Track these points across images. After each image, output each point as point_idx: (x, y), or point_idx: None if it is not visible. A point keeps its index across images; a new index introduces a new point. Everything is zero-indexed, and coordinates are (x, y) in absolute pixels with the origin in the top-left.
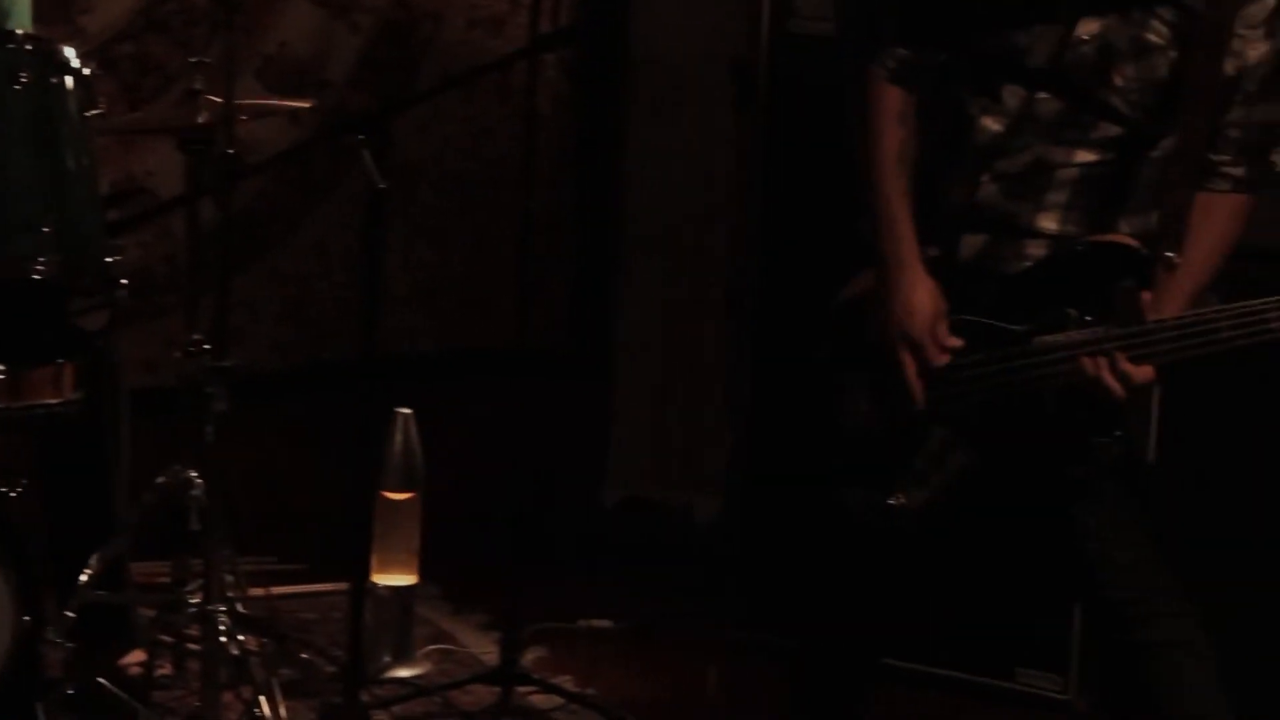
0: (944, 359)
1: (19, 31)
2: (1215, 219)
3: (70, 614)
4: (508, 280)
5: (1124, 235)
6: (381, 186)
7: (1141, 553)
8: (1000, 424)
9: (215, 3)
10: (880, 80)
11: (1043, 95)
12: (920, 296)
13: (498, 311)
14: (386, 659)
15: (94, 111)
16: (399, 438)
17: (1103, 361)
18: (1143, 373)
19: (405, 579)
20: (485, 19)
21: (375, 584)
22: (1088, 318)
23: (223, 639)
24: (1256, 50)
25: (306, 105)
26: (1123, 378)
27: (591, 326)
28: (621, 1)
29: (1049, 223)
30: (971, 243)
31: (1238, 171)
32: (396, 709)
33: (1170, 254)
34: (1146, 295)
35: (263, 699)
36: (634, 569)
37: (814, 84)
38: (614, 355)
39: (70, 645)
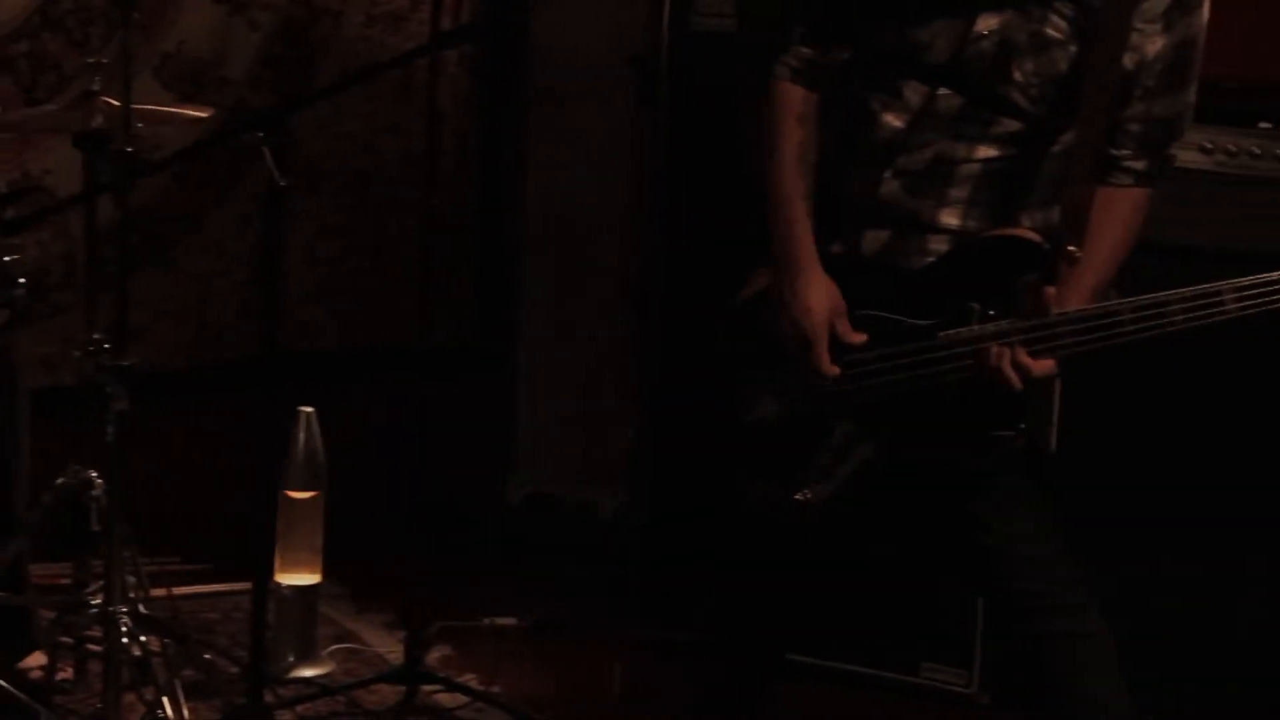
0: (834, 370)
1: None
2: (1117, 213)
3: None
4: (410, 277)
5: (1025, 230)
6: (282, 185)
7: (1043, 545)
8: (904, 418)
9: (113, 1)
10: (782, 80)
11: (944, 91)
12: (817, 298)
13: (401, 309)
14: (290, 659)
15: None
16: (301, 436)
17: (1004, 352)
18: (1042, 366)
19: (308, 578)
20: (385, 15)
21: (278, 583)
22: (991, 312)
23: (125, 640)
24: (1154, 45)
25: (204, 115)
26: (1022, 370)
27: (494, 323)
28: None
29: (951, 219)
30: (874, 238)
31: (1138, 165)
32: (300, 709)
33: (1072, 248)
34: (1050, 290)
35: (165, 700)
36: (538, 566)
37: (714, 80)
38: (517, 352)
39: None
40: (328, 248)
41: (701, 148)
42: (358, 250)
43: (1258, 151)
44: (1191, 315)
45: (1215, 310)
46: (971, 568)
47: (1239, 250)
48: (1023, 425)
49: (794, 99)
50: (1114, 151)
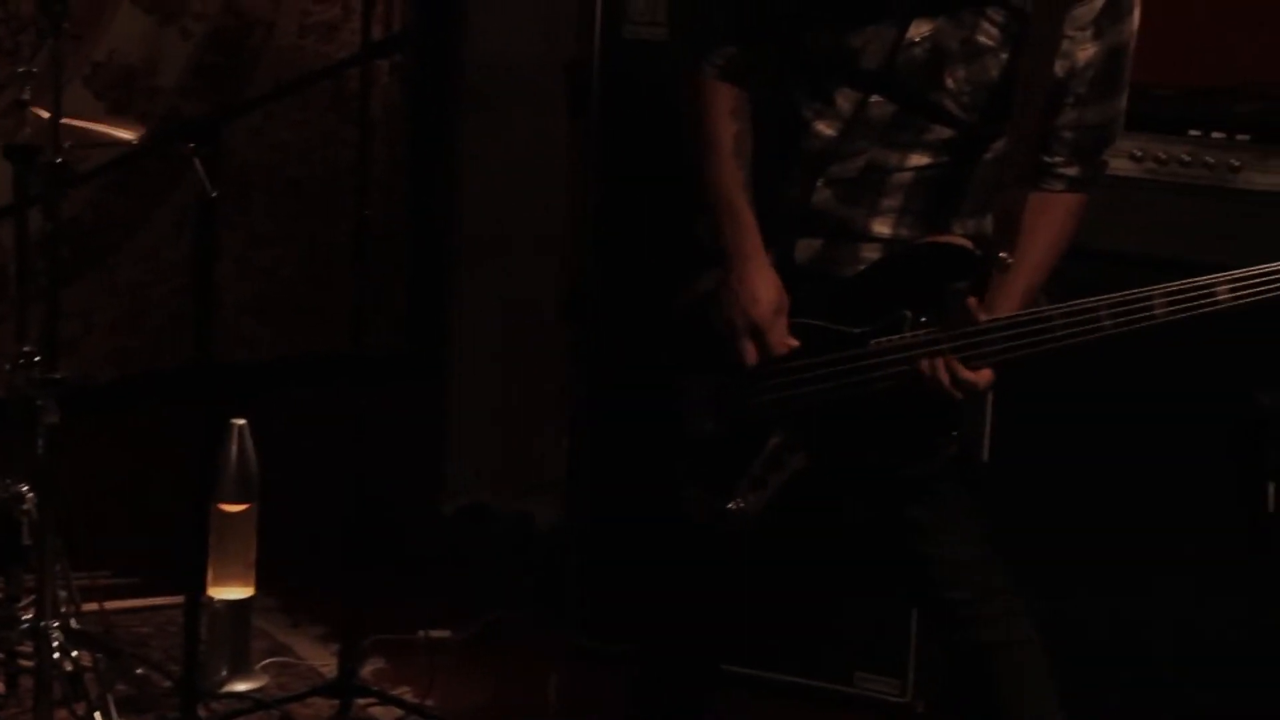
0: (790, 344)
1: None
2: (1050, 218)
3: None
4: (344, 287)
5: (957, 236)
6: (213, 195)
7: (976, 553)
8: (838, 426)
9: (42, 10)
10: (710, 78)
11: (876, 98)
12: (765, 287)
13: (334, 319)
14: (224, 673)
15: None
16: (234, 449)
17: (939, 364)
18: (982, 377)
19: (242, 592)
20: (317, 25)
21: (211, 597)
22: (923, 319)
23: (56, 655)
24: (1085, 52)
25: (132, 138)
26: (963, 384)
27: (428, 332)
28: (454, 6)
29: (883, 227)
30: (807, 247)
31: (1071, 171)
32: None
33: (1004, 254)
34: (973, 300)
35: (98, 715)
36: (473, 577)
37: (647, 88)
38: (451, 361)
39: None
40: (261, 257)
41: (636, 155)
42: (291, 259)
43: (1187, 159)
44: (1121, 320)
45: (1145, 316)
46: (906, 575)
47: (1168, 257)
48: (955, 432)
49: (725, 95)
50: (1047, 158)
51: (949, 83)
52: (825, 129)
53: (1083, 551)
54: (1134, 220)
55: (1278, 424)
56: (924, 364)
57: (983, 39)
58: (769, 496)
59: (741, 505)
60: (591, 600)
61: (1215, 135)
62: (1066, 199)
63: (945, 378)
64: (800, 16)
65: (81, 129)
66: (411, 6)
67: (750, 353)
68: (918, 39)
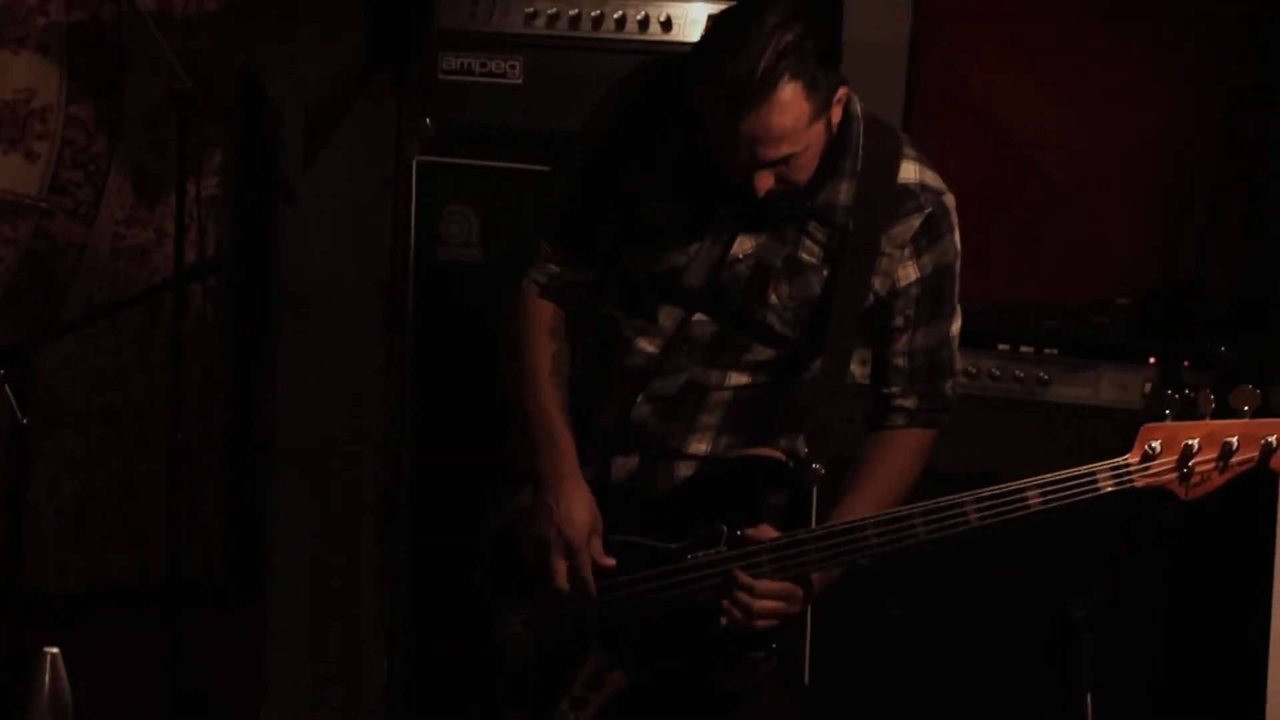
0: (607, 563)
1: None
2: (893, 458)
3: None
4: (159, 511)
5: (770, 450)
6: (24, 421)
7: None
8: (656, 642)
9: None
10: (531, 295)
11: (699, 317)
12: (579, 509)
13: (149, 542)
14: None
15: None
16: (47, 678)
17: (731, 580)
18: (767, 587)
19: None
20: (130, 249)
21: None
22: (740, 533)
23: None
24: (906, 270)
25: None
26: (748, 590)
27: (245, 554)
28: (269, 229)
29: (700, 445)
30: (623, 465)
31: (909, 403)
32: None
33: (817, 466)
34: (764, 528)
35: None
36: None
37: (461, 309)
38: (268, 583)
39: None
40: (74, 483)
41: (450, 374)
42: (105, 485)
43: (997, 372)
44: (935, 527)
45: (959, 521)
46: None
47: (980, 470)
48: (774, 645)
49: (544, 314)
50: (884, 390)
51: (773, 299)
52: (646, 346)
53: None
54: (945, 433)
55: (1091, 638)
56: (724, 603)
57: (805, 255)
58: (590, 714)
59: None
60: None
61: (1024, 349)
62: (909, 438)
63: (738, 592)
64: (624, 235)
65: None
66: (225, 230)
67: (561, 572)
68: (741, 256)
